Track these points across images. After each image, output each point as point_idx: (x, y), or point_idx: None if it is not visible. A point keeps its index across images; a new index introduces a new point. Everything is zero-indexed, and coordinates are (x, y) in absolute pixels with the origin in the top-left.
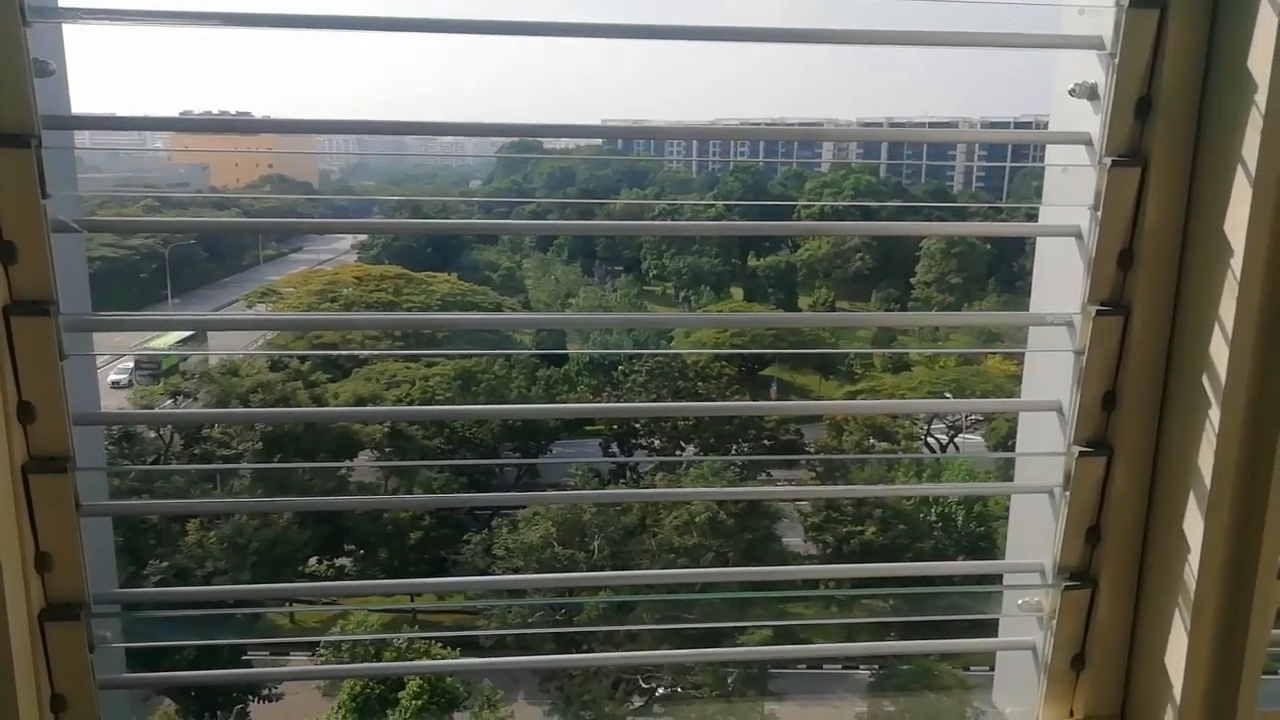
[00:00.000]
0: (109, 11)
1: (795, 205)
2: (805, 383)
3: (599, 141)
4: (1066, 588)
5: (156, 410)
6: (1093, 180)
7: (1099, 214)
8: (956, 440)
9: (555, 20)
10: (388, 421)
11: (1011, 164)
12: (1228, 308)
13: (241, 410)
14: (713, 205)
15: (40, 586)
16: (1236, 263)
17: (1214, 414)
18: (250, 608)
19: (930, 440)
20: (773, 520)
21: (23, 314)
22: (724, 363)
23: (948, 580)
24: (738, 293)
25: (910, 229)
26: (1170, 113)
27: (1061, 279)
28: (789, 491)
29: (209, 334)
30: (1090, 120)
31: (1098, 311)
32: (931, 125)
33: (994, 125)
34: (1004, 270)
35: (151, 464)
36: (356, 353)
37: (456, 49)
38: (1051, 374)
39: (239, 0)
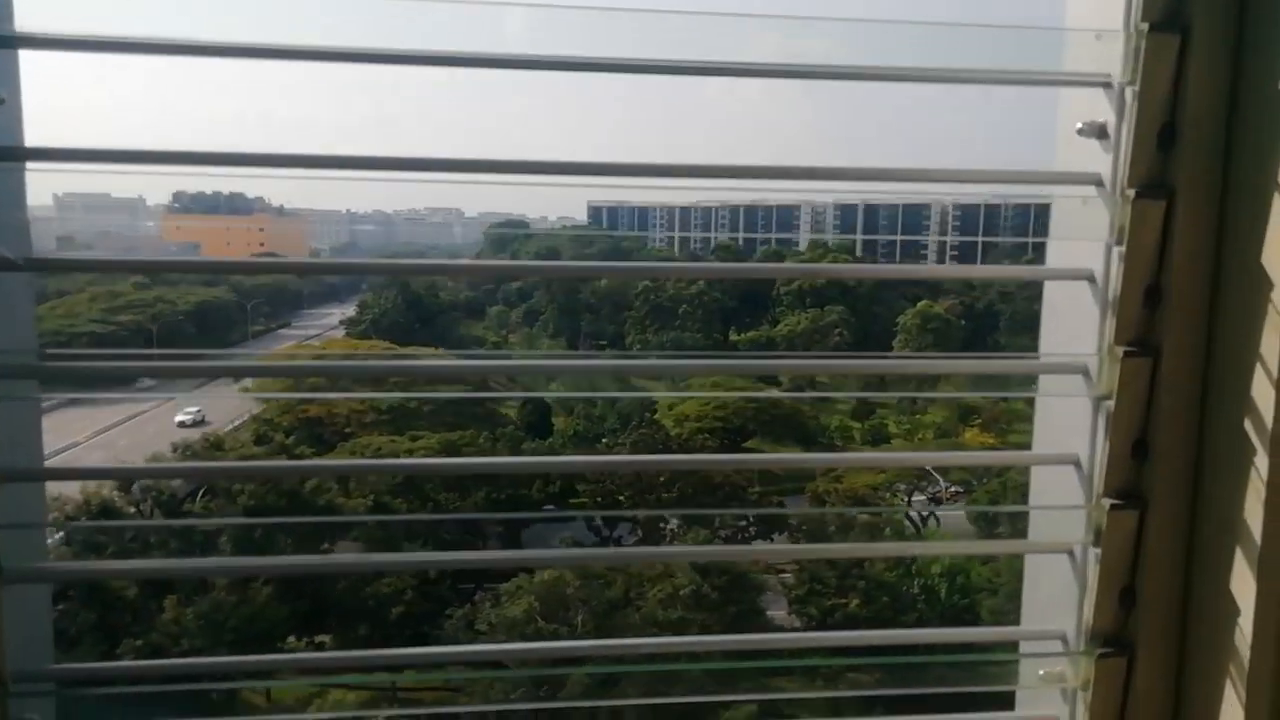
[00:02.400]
0: (65, 40)
1: (775, 286)
2: (787, 453)
3: (584, 221)
4: (1101, 655)
5: (95, 466)
6: (1105, 219)
7: (1122, 249)
8: (936, 512)
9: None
10: (371, 495)
11: (984, 239)
12: (1270, 345)
13: (192, 465)
14: (695, 282)
15: None
16: (1278, 296)
17: (1260, 461)
18: (220, 683)
19: (911, 514)
20: (757, 593)
21: None
22: (706, 435)
23: (930, 649)
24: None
25: (919, 272)
26: (1196, 141)
27: (1073, 323)
28: (801, 550)
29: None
30: (1100, 160)
31: (1125, 353)
32: (906, 207)
33: (966, 206)
34: (979, 345)
35: (119, 534)
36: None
37: (436, 117)
38: (1066, 425)
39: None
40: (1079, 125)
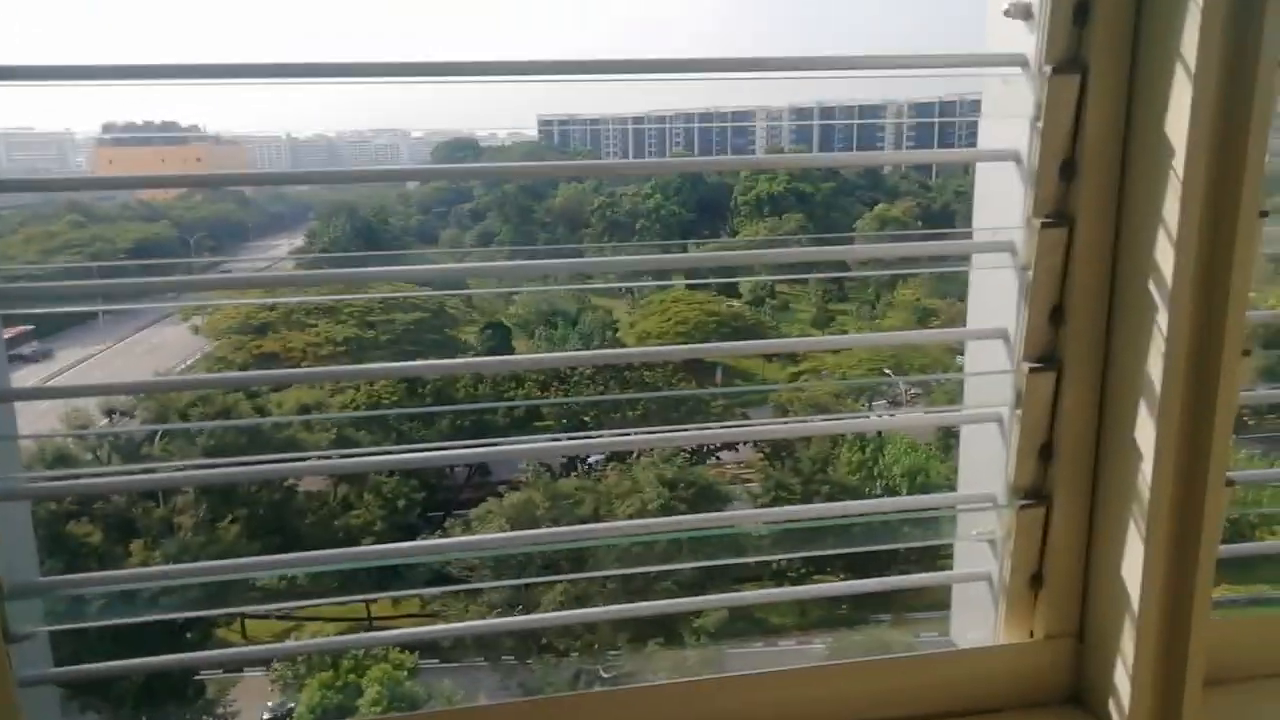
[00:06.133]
0: None
1: (732, 196)
2: (749, 366)
3: (535, 137)
4: (1021, 507)
5: (75, 384)
6: (1030, 99)
7: (1040, 125)
8: (897, 415)
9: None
10: (333, 429)
11: (940, 147)
12: (1171, 209)
13: (173, 378)
14: (651, 195)
15: None
16: (1179, 163)
17: (1160, 318)
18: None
19: (872, 417)
20: (724, 503)
21: None
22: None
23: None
24: (679, 279)
25: (862, 159)
26: (1107, 15)
27: (1002, 202)
28: (767, 428)
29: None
30: (1026, 41)
31: (1042, 224)
32: (861, 109)
33: (921, 106)
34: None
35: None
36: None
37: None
38: (998, 300)
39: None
40: (1006, 6)
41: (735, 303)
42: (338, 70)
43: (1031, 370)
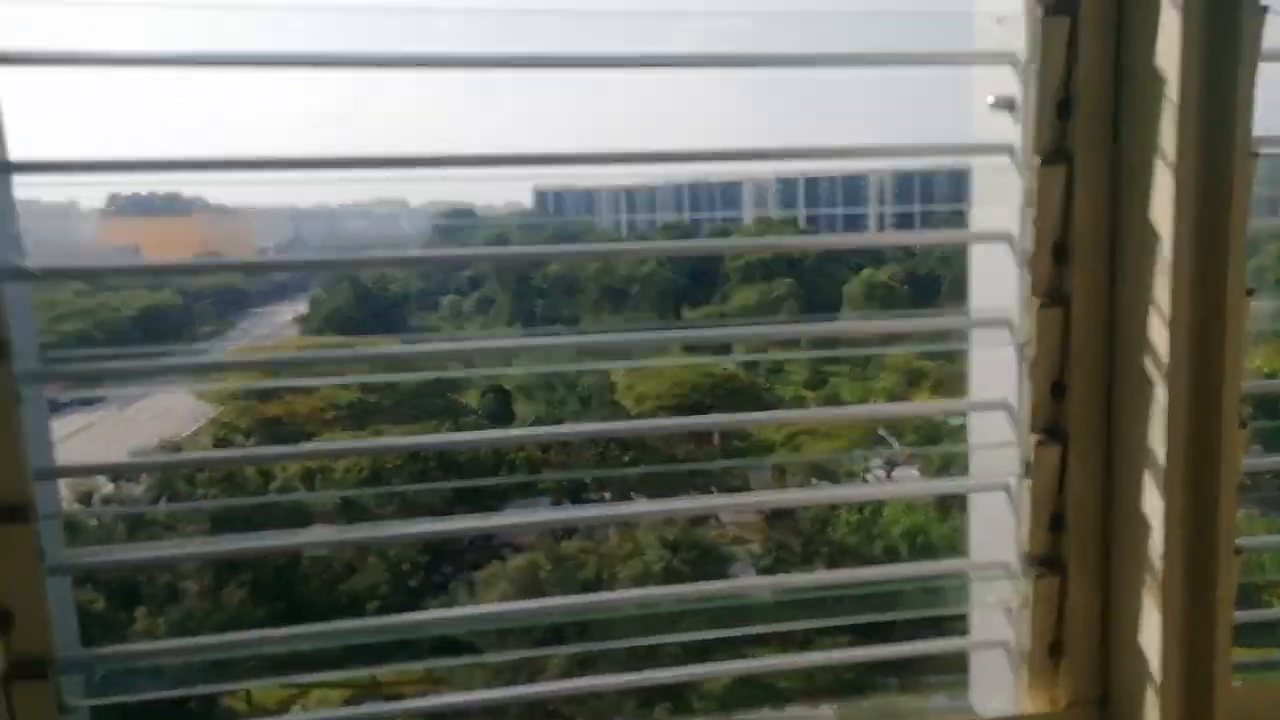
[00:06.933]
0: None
1: (723, 262)
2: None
3: (530, 207)
4: (1037, 576)
5: (128, 461)
6: (1019, 185)
7: (1030, 213)
8: (894, 475)
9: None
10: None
11: (922, 215)
12: (1161, 289)
13: (214, 454)
14: (646, 262)
15: (1, 647)
16: (1165, 249)
17: (1159, 393)
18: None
19: (869, 478)
20: (726, 564)
21: None
22: (667, 413)
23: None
24: (675, 347)
25: (857, 240)
26: (1088, 112)
27: (997, 281)
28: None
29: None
30: (1011, 131)
31: (1040, 305)
32: (845, 179)
33: (905, 176)
34: (923, 308)
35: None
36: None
37: (377, 111)
38: (998, 373)
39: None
40: (990, 99)
41: (730, 365)
42: (344, 163)
43: (1038, 443)
